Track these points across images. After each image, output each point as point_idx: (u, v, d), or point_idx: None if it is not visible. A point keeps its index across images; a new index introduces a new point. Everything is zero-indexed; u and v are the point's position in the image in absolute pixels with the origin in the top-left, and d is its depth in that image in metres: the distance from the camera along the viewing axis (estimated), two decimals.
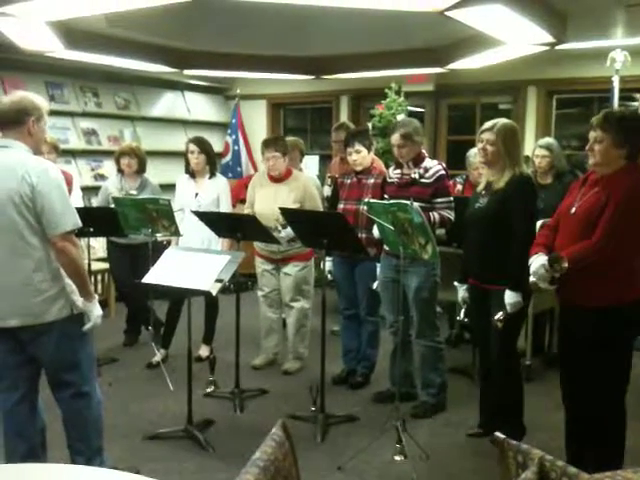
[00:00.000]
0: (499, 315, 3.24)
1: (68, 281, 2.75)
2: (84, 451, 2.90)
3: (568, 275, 2.76)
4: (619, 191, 2.72)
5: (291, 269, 4.61)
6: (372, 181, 4.25)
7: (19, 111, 2.70)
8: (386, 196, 3.98)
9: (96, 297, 2.85)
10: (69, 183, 4.92)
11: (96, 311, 2.81)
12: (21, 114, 2.70)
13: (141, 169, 5.11)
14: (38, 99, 2.80)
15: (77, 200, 5.10)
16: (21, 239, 2.65)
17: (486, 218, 3.35)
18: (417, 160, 3.94)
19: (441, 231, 4.08)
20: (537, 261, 2.88)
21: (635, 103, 6.70)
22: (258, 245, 4.67)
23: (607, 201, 2.73)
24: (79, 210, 2.77)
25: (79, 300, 2.78)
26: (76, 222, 2.71)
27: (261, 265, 4.74)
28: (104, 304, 6.15)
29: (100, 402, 2.97)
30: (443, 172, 3.91)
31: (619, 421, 2.92)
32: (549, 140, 5.10)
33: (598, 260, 2.74)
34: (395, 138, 3.93)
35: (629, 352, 2.90)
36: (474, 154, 4.74)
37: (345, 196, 4.35)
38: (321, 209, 4.71)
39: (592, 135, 2.83)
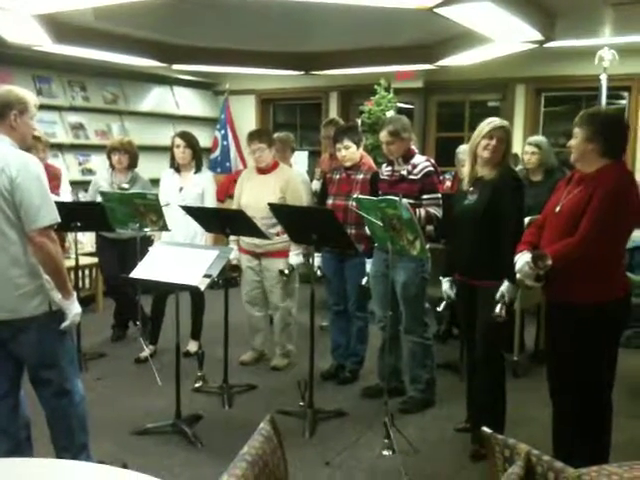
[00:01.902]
0: (498, 309, 3.21)
1: (48, 277, 2.71)
2: (69, 447, 2.88)
3: (554, 272, 2.78)
4: (602, 188, 2.74)
5: (274, 265, 4.52)
6: (361, 177, 4.26)
7: (2, 104, 2.68)
8: (380, 192, 3.99)
9: (74, 295, 2.80)
10: (57, 178, 4.90)
11: (74, 309, 2.76)
12: (3, 107, 2.67)
13: (132, 164, 5.07)
14: (24, 93, 2.77)
15: (66, 195, 5.06)
16: None
17: (477, 214, 3.35)
18: (407, 157, 3.94)
19: (430, 228, 4.09)
20: (521, 259, 2.88)
21: (623, 101, 6.74)
22: (243, 240, 4.63)
23: (591, 198, 2.76)
24: (67, 205, 2.73)
25: (58, 297, 2.73)
26: (54, 218, 2.66)
27: (246, 262, 4.69)
28: (92, 299, 6.14)
29: (83, 398, 2.93)
30: (431, 168, 3.91)
31: (605, 417, 2.94)
32: (539, 138, 5.12)
33: (583, 257, 2.75)
34: (383, 135, 3.93)
35: (615, 348, 2.92)
36: (464, 150, 4.76)
37: (334, 192, 4.35)
38: (304, 204, 4.70)
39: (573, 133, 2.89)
